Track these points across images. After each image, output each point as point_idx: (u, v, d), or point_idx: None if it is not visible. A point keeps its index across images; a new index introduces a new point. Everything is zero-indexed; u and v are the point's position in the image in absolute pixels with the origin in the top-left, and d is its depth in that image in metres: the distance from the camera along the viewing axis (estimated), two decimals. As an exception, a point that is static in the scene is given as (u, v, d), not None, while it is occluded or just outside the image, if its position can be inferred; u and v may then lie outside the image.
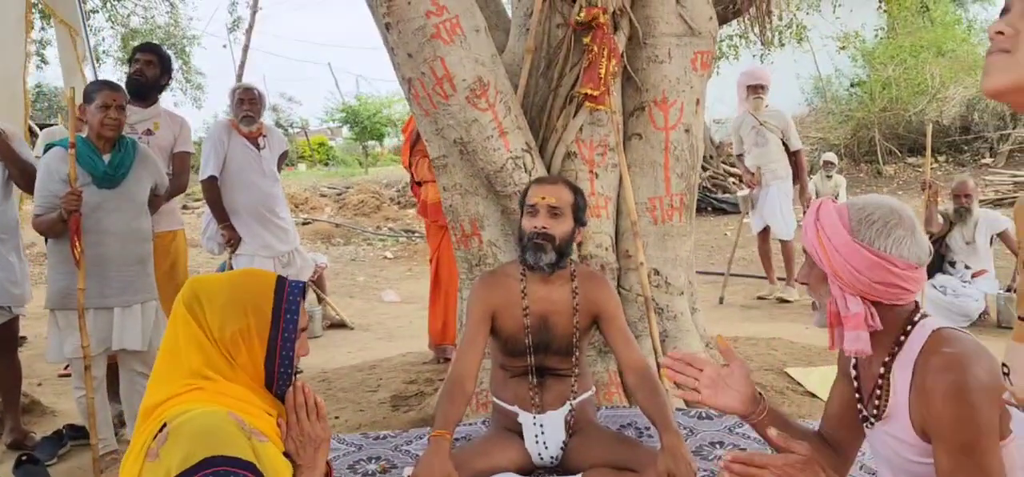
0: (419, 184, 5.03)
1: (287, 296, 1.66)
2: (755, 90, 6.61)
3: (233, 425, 1.50)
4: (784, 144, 6.64)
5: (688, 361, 1.85)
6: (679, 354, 1.88)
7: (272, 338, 1.63)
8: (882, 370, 1.63)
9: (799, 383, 4.04)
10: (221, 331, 1.59)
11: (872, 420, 1.68)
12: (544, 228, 2.56)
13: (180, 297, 1.63)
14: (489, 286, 2.70)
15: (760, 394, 1.85)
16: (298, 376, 1.71)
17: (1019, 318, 1.06)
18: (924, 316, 1.63)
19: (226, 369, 1.60)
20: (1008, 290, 5.62)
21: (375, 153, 22.26)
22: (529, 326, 2.63)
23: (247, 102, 4.77)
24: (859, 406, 1.74)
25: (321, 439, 1.69)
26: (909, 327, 1.61)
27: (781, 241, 6.77)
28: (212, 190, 4.68)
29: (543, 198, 2.58)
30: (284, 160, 5.36)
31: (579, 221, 2.66)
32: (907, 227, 1.57)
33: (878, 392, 1.65)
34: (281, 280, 1.69)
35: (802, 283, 1.74)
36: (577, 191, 2.68)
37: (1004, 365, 1.11)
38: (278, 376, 1.65)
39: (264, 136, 4.87)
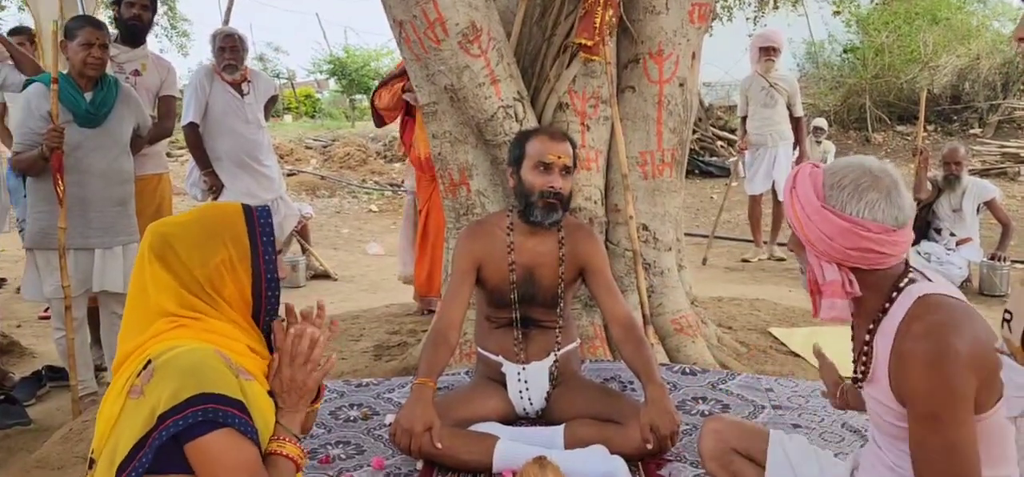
0: (379, 119, 4.96)
1: (258, 220, 1.63)
2: (767, 52, 6.68)
3: (220, 362, 1.46)
4: (788, 108, 6.67)
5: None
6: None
7: (254, 263, 1.59)
8: (867, 336, 1.62)
9: (783, 343, 4.05)
10: (203, 266, 1.55)
11: (859, 384, 1.68)
12: (561, 189, 2.53)
13: (146, 244, 1.57)
14: (475, 236, 2.67)
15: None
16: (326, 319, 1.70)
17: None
18: (913, 281, 1.58)
19: (206, 309, 1.56)
20: (992, 259, 5.65)
21: (362, 107, 22.02)
22: (515, 278, 2.61)
23: (229, 51, 4.69)
24: (854, 368, 1.73)
25: (307, 389, 1.65)
26: (895, 293, 1.58)
27: (777, 201, 6.84)
28: (193, 136, 4.66)
29: (558, 157, 2.54)
30: (273, 104, 5.25)
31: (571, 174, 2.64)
32: (881, 189, 1.52)
33: (863, 357, 1.63)
34: (247, 207, 1.65)
35: (789, 249, 1.72)
36: (574, 144, 2.66)
37: (1007, 311, 1.08)
38: (266, 300, 1.62)
39: (248, 81, 4.79)
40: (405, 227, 5.31)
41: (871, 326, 1.61)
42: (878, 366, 1.58)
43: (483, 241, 2.64)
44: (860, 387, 1.69)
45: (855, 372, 1.70)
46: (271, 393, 1.62)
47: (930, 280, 1.61)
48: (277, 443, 1.58)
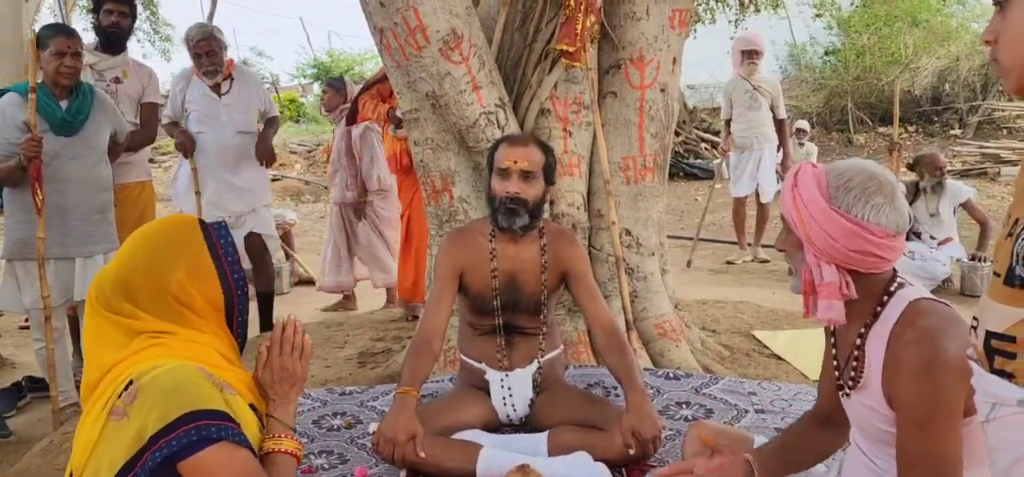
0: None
1: (215, 233, 1.61)
2: (750, 55, 6.71)
3: (204, 378, 1.45)
4: (772, 111, 6.72)
5: (677, 470, 1.90)
6: (665, 471, 1.94)
7: (218, 265, 1.57)
8: (858, 340, 1.62)
9: (765, 346, 4.07)
10: (168, 288, 1.52)
11: (848, 390, 1.68)
12: (516, 193, 2.51)
13: (95, 299, 1.53)
14: (457, 244, 2.66)
15: (749, 463, 1.84)
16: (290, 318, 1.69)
17: (994, 274, 1.05)
18: (901, 285, 1.60)
19: (179, 329, 1.53)
20: (973, 259, 5.70)
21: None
22: (497, 285, 2.61)
23: (206, 56, 4.38)
24: (836, 374, 1.73)
25: (297, 376, 1.65)
26: (886, 297, 1.59)
27: (761, 204, 6.88)
28: (167, 128, 4.58)
29: (515, 162, 2.52)
30: (272, 127, 4.68)
31: (549, 180, 2.63)
32: (886, 194, 1.53)
33: (854, 362, 1.63)
34: (202, 222, 1.63)
35: (780, 249, 1.72)
36: (548, 150, 2.64)
37: (974, 318, 1.09)
38: (238, 301, 1.60)
39: (231, 79, 4.47)
40: (331, 237, 5.35)
41: (862, 330, 1.61)
42: (871, 371, 1.59)
43: (465, 248, 2.64)
44: (846, 395, 1.69)
45: (841, 378, 1.70)
46: (252, 406, 1.61)
47: (913, 285, 1.63)
48: (274, 440, 1.58)
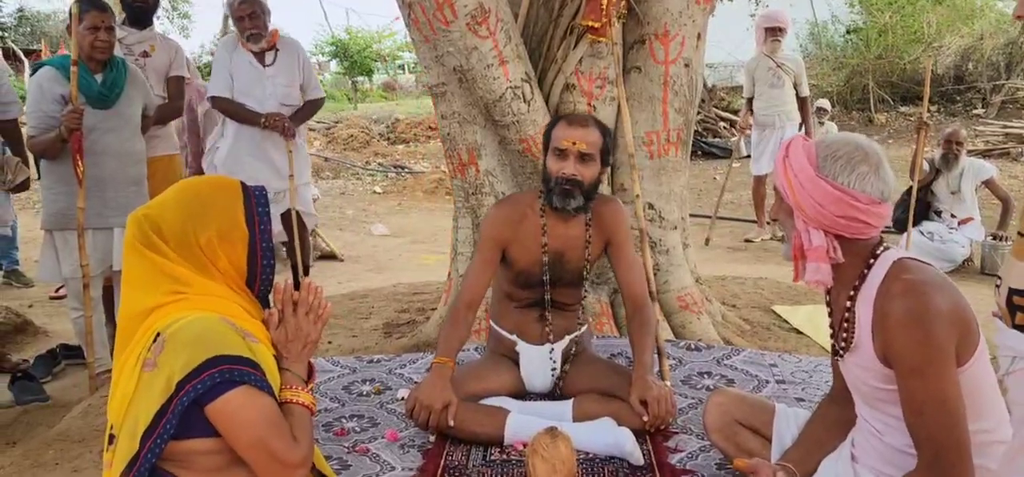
0: None
1: (253, 195, 1.67)
2: (773, 32, 6.68)
3: (227, 327, 1.53)
4: (795, 88, 6.71)
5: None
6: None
7: (251, 236, 1.64)
8: (848, 303, 1.70)
9: (785, 320, 4.11)
10: (197, 241, 1.59)
11: (841, 353, 1.75)
12: (573, 175, 2.49)
13: (132, 235, 1.59)
14: (505, 217, 2.64)
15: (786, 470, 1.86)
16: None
17: (1019, 234, 1.09)
18: (886, 248, 1.69)
19: (201, 280, 1.60)
20: (994, 238, 5.69)
21: (364, 89, 22.00)
22: (547, 263, 2.61)
23: (248, 18, 4.22)
24: (831, 340, 1.81)
25: (311, 338, 1.71)
26: (872, 261, 1.67)
27: None
28: (222, 105, 4.29)
29: (573, 143, 2.48)
30: (310, 108, 4.49)
31: (606, 162, 2.61)
32: (871, 164, 1.62)
33: (845, 325, 1.71)
34: (243, 185, 1.68)
35: (772, 218, 1.80)
36: (606, 131, 2.60)
37: (998, 277, 1.14)
38: (261, 269, 1.67)
39: (276, 49, 4.33)
40: None
41: (851, 293, 1.69)
42: (861, 331, 1.66)
43: (513, 222, 2.62)
44: (840, 357, 1.76)
45: (836, 343, 1.77)
46: (276, 356, 1.67)
47: (897, 248, 1.72)
48: (291, 392, 1.64)
